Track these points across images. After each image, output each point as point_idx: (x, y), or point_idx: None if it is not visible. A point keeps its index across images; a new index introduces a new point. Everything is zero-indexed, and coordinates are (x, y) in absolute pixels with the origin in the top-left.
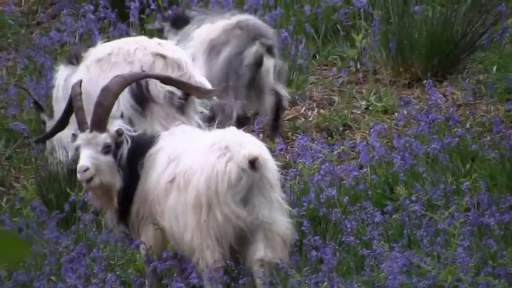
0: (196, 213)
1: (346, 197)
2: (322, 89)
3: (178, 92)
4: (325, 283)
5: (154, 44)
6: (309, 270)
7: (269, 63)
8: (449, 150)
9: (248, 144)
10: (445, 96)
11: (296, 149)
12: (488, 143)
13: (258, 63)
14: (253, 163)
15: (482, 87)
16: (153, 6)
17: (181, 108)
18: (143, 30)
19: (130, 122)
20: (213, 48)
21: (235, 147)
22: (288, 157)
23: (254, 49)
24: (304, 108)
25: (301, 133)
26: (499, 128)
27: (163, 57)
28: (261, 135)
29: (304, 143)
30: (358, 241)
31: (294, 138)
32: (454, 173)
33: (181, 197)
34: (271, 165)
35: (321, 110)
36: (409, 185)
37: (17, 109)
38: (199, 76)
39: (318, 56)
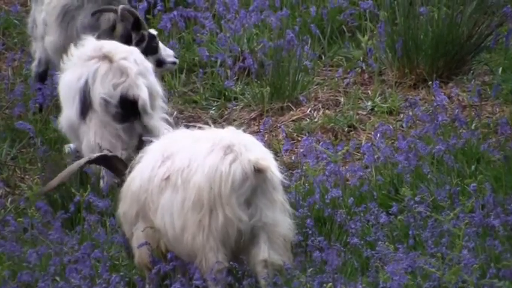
0: (197, 213)
1: (351, 198)
2: (327, 90)
3: (113, 100)
4: (330, 284)
5: (112, 48)
6: (313, 271)
7: (120, 29)
8: (455, 152)
9: (253, 149)
10: (450, 98)
11: (301, 150)
12: (493, 144)
13: (112, 29)
14: (259, 168)
15: (488, 89)
16: (159, 7)
17: (119, 116)
18: None
19: (77, 132)
20: (66, 14)
21: (239, 148)
22: (293, 158)
23: (108, 16)
24: (309, 109)
25: (307, 134)
26: (504, 130)
27: (110, 61)
28: (266, 136)
29: (309, 143)
30: (363, 242)
31: (299, 139)
32: (459, 174)
33: (178, 195)
34: (274, 169)
35: (327, 111)
36: (414, 186)
37: (23, 109)
38: (142, 89)
39: (323, 57)
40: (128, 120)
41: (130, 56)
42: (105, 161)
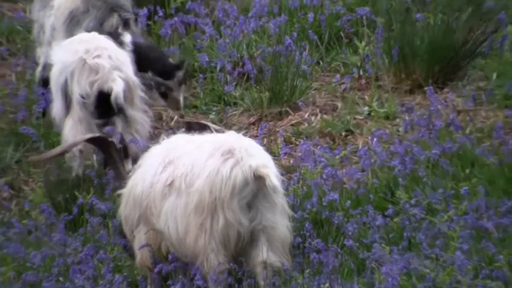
0: (199, 217)
1: (348, 201)
2: (325, 95)
3: (91, 98)
4: (327, 285)
5: (88, 46)
6: (310, 272)
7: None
8: (450, 156)
9: (255, 154)
10: (445, 103)
11: (299, 154)
12: (488, 148)
13: (115, 35)
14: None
15: (483, 94)
16: (160, 14)
17: (96, 113)
18: (150, 37)
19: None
20: (72, 19)
21: (240, 153)
22: (291, 161)
23: (111, 22)
24: (307, 113)
25: (305, 138)
26: (498, 134)
27: (84, 62)
28: (265, 140)
29: (307, 147)
30: (359, 244)
31: (298, 143)
32: (454, 177)
33: (181, 199)
34: (273, 177)
35: (324, 116)
36: (410, 189)
37: (26, 114)
38: (117, 83)
39: (321, 63)
40: (106, 116)
41: (105, 52)
42: (100, 143)
